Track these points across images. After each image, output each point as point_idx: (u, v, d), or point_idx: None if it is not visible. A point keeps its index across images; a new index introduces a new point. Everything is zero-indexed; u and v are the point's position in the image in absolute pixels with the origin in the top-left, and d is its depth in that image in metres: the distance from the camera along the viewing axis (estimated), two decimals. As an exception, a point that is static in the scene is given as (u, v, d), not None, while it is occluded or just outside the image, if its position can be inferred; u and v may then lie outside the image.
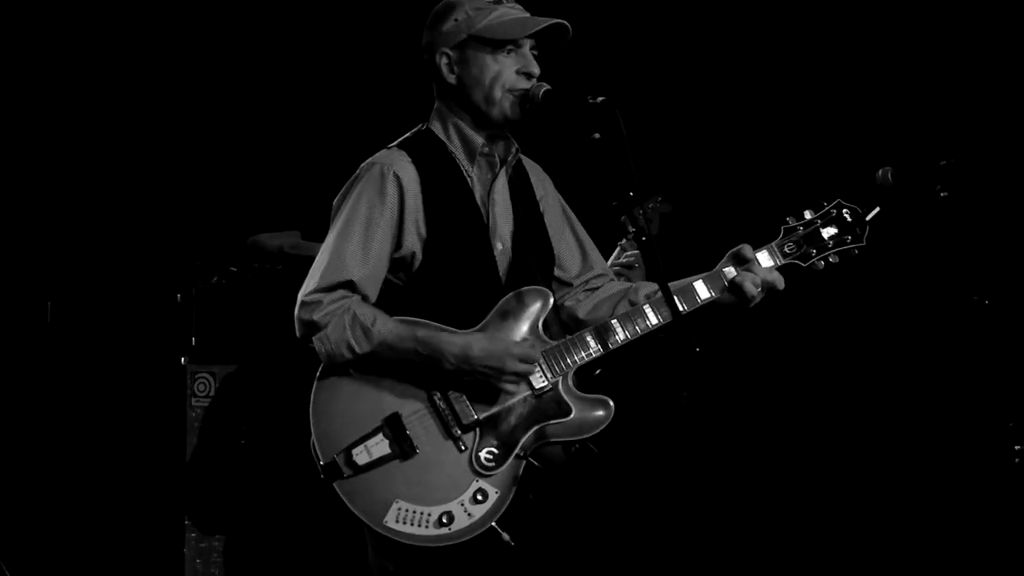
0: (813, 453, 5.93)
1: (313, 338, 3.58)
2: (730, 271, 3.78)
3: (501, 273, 3.76)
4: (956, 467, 5.67)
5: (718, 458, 3.63)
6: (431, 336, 3.59)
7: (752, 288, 3.73)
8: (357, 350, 3.57)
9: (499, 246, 3.78)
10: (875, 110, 5.85)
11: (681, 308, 3.71)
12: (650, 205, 5.24)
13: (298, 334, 3.63)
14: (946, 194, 4.05)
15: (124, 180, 5.85)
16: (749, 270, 3.76)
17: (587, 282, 4.00)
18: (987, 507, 5.37)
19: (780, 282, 3.78)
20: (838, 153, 5.72)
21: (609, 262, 5.03)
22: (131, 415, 5.42)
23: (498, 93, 3.71)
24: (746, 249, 3.79)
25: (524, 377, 3.62)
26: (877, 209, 3.87)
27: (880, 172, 4.01)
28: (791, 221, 3.86)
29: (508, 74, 3.71)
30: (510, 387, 3.61)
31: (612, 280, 4.06)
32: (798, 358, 5.95)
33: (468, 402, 3.62)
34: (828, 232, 3.85)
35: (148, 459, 5.24)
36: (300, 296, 3.63)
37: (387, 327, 3.58)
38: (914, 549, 5.73)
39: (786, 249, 3.83)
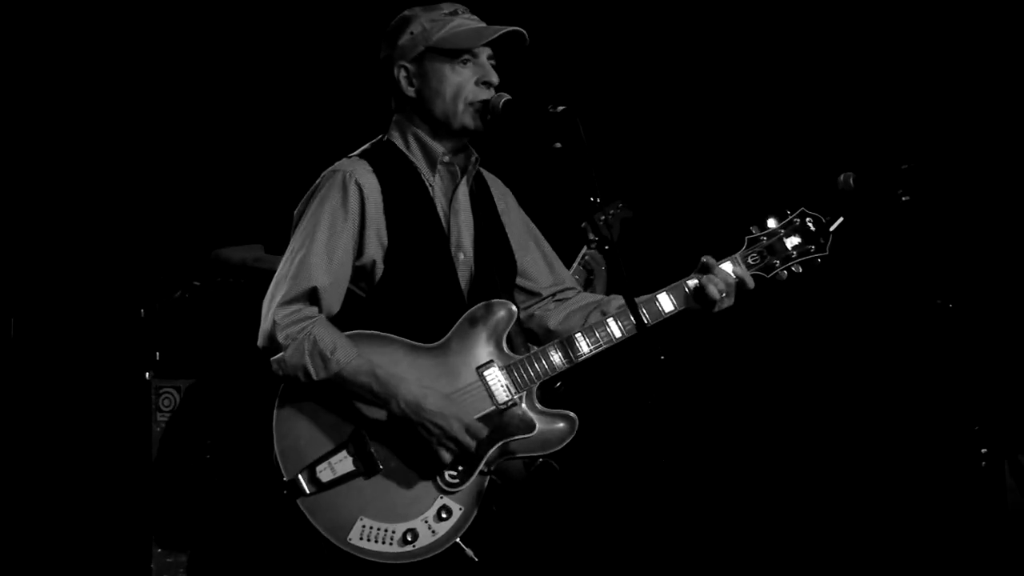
0: (779, 460, 5.93)
1: (271, 359, 3.57)
2: (692, 281, 3.76)
3: (462, 283, 3.75)
4: (922, 471, 5.68)
5: (683, 467, 3.63)
6: (389, 377, 3.56)
7: (715, 291, 3.71)
8: (314, 376, 3.55)
9: (461, 256, 3.77)
10: (837, 115, 5.86)
11: (645, 320, 3.69)
12: (611, 211, 5.24)
13: (259, 345, 3.63)
14: (908, 198, 4.04)
15: (86, 195, 5.81)
16: (713, 276, 3.75)
17: (556, 294, 3.99)
18: (954, 511, 5.38)
19: (750, 280, 3.77)
20: (800, 157, 5.73)
21: (573, 266, 5.05)
22: (96, 430, 5.37)
23: (460, 105, 3.70)
24: (710, 260, 3.77)
25: (464, 449, 3.57)
26: (841, 219, 3.87)
27: (842, 177, 4.01)
28: (754, 231, 3.85)
29: (468, 86, 3.71)
30: (445, 453, 3.57)
31: (581, 292, 4.06)
32: (762, 365, 5.96)
33: None
34: (792, 242, 3.85)
35: (113, 474, 5.20)
36: (266, 310, 3.62)
37: (346, 357, 3.55)
38: (880, 553, 5.73)
39: (750, 260, 3.82)
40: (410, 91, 3.76)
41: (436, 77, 3.71)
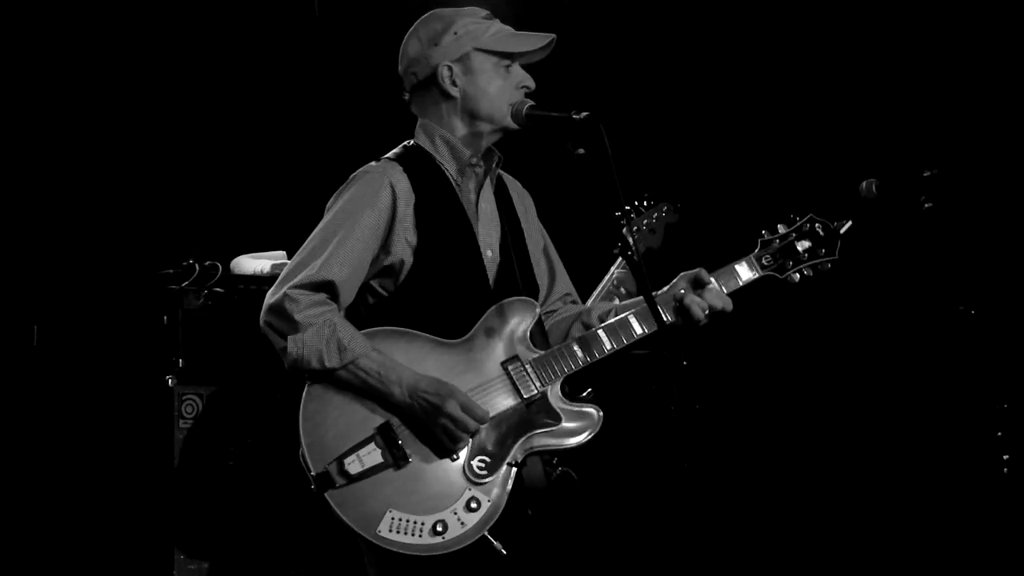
0: (802, 464, 5.93)
1: (288, 336, 3.58)
2: (679, 294, 3.81)
3: (491, 280, 3.81)
4: (945, 478, 5.68)
5: (708, 472, 3.64)
6: (393, 365, 3.59)
7: (699, 312, 3.78)
8: (326, 363, 3.57)
9: (488, 254, 3.83)
10: (860, 121, 5.86)
11: (641, 331, 3.78)
12: (654, 214, 5.23)
13: (263, 321, 3.65)
14: (930, 205, 4.07)
15: (108, 203, 5.84)
16: (701, 295, 3.80)
17: (548, 304, 4.04)
18: (976, 517, 5.37)
19: (729, 305, 3.83)
20: (822, 164, 5.73)
21: (598, 289, 5.06)
22: (119, 437, 5.39)
23: (504, 106, 3.80)
24: (703, 273, 3.84)
25: (460, 426, 3.57)
26: (849, 223, 3.92)
27: (864, 184, 4.04)
28: (766, 234, 3.94)
29: (512, 89, 3.82)
30: (442, 435, 3.57)
31: (573, 303, 4.10)
32: (785, 371, 5.96)
33: None
34: (802, 245, 3.95)
35: (136, 481, 5.22)
36: (282, 288, 3.62)
37: (361, 349, 3.58)
38: (903, 559, 5.73)
39: (764, 261, 3.92)
40: (454, 90, 3.83)
41: (484, 77, 3.81)
